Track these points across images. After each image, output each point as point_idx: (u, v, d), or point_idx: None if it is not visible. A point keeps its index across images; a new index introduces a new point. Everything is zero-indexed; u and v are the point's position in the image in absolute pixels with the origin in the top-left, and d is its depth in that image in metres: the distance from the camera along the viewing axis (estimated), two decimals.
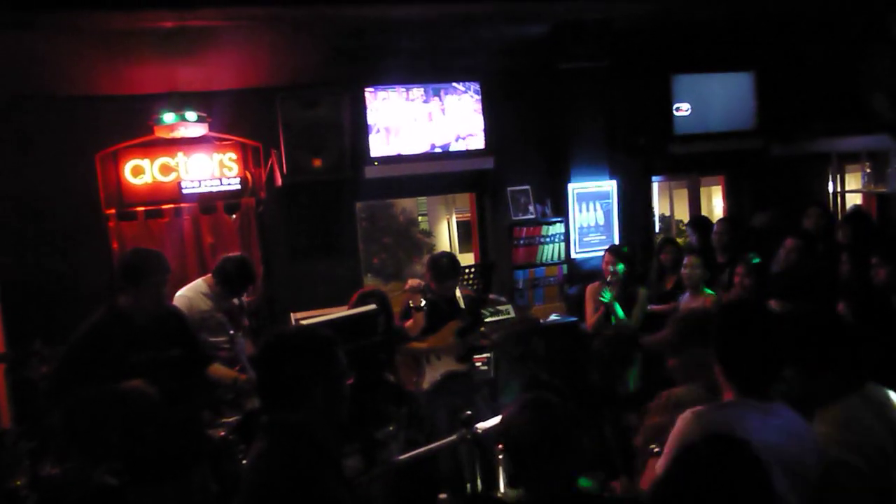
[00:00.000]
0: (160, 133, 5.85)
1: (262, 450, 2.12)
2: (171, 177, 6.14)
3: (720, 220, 6.28)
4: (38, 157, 5.73)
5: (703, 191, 9.00)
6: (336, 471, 2.21)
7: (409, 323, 4.72)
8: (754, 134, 7.31)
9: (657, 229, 7.93)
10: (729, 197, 8.13)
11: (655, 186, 8.09)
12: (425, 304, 4.72)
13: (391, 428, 3.54)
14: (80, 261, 5.84)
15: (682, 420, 2.31)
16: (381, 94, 6.26)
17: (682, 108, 7.06)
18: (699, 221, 6.62)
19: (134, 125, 5.92)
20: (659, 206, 9.80)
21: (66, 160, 5.82)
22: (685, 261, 5.37)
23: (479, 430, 3.63)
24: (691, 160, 7.35)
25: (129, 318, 3.49)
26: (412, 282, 4.82)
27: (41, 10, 4.68)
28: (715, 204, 10.99)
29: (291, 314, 5.66)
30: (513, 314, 5.94)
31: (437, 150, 6.44)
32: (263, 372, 2.18)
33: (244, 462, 2.25)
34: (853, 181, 7.90)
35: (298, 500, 2.01)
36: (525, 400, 2.25)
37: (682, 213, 9.60)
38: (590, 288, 5.66)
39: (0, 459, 3.43)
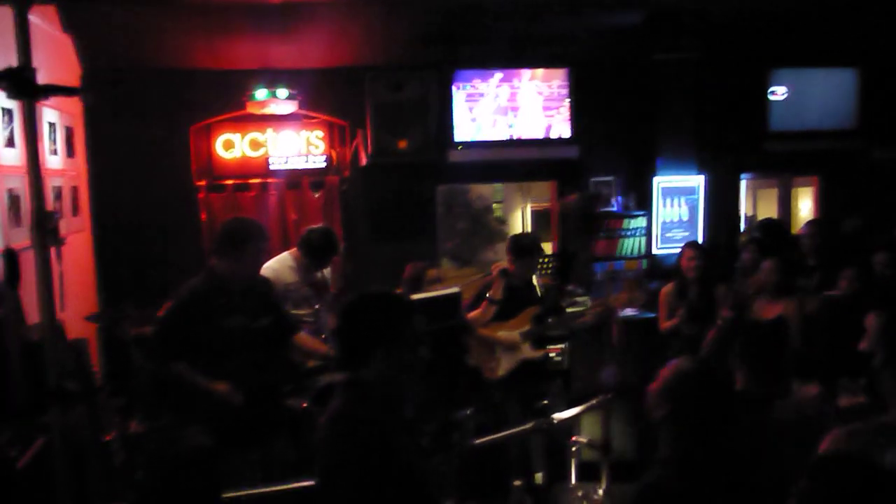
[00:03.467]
0: (251, 109, 5.98)
1: (336, 407, 2.23)
2: (260, 152, 6.29)
3: (810, 222, 6.04)
4: (138, 128, 5.94)
5: (791, 192, 8.67)
6: (407, 434, 2.30)
7: (476, 312, 4.70)
8: (854, 134, 6.98)
9: (742, 229, 7.65)
10: (821, 200, 7.79)
11: (743, 184, 7.83)
12: (503, 295, 4.66)
13: (467, 412, 3.54)
14: (171, 229, 6.05)
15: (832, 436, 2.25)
16: (469, 77, 6.24)
17: (778, 104, 6.80)
18: (770, 224, 6.36)
19: (227, 100, 6.08)
20: (744, 205, 9.48)
21: (164, 131, 6.03)
22: (763, 265, 5.16)
23: (554, 420, 3.61)
24: (785, 158, 7.07)
25: (226, 284, 3.57)
26: (498, 265, 4.77)
27: None
28: (801, 206, 10.58)
29: None
30: (590, 306, 5.86)
31: (522, 136, 6.39)
32: (342, 331, 2.29)
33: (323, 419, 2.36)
34: None
35: (367, 453, 2.08)
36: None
37: (768, 214, 9.27)
38: (664, 291, 5.52)
39: (93, 415, 3.58)
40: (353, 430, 2.12)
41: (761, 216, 9.99)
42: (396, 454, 2.16)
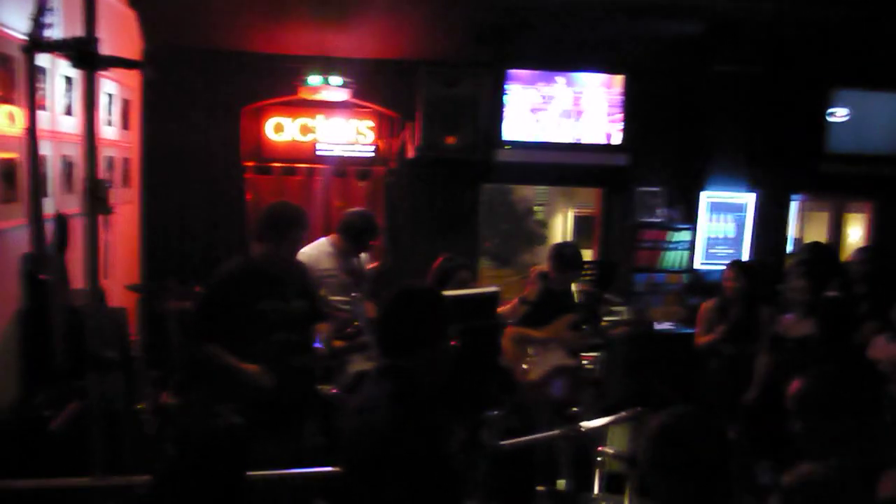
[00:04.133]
0: (303, 94, 6.02)
1: (371, 390, 2.32)
2: (309, 137, 6.34)
3: (862, 249, 5.87)
4: (191, 107, 6.03)
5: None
6: (440, 424, 2.36)
7: (506, 308, 4.65)
8: None
9: (789, 251, 7.48)
10: (874, 226, 7.57)
11: (793, 206, 7.65)
12: (538, 298, 4.63)
13: (496, 412, 3.52)
14: (216, 209, 6.12)
15: None
16: (522, 78, 6.20)
17: (838, 125, 6.63)
18: (820, 247, 6.18)
19: (280, 84, 6.12)
20: (793, 228, 9.28)
21: (216, 111, 6.09)
22: (791, 283, 5.02)
23: (583, 429, 3.57)
24: (840, 181, 6.89)
25: (264, 267, 3.61)
26: (538, 268, 4.74)
27: None
28: (851, 233, 10.31)
29: None
30: (628, 317, 5.78)
31: (571, 140, 6.32)
32: (385, 320, 2.41)
33: (354, 406, 2.40)
34: None
35: (402, 434, 2.15)
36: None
37: (816, 237, 9.05)
38: (705, 306, 5.42)
39: (129, 383, 3.64)
40: (398, 414, 2.18)
41: (808, 240, 9.78)
42: (439, 440, 2.27)
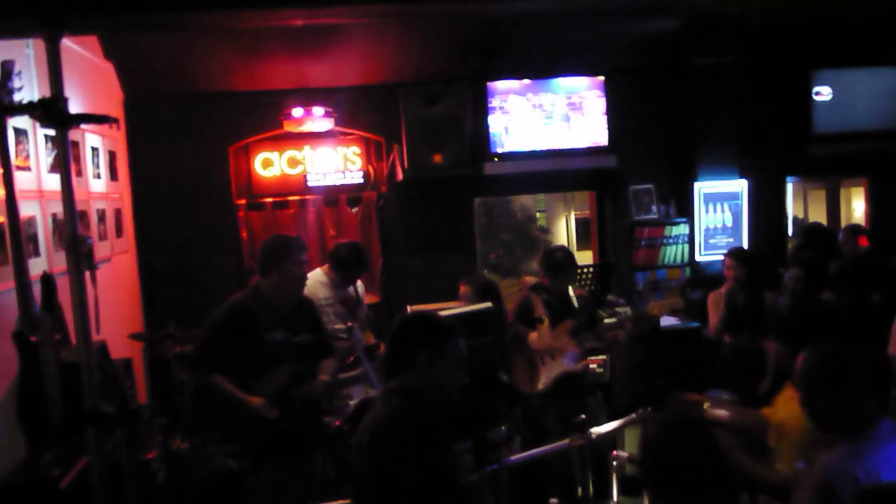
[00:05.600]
0: (288, 127, 6.06)
1: (379, 412, 2.41)
2: (298, 169, 6.36)
3: (847, 228, 5.85)
4: (178, 150, 6.07)
5: (842, 193, 8.43)
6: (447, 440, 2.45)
7: (533, 335, 4.64)
8: None
9: (790, 233, 7.46)
10: (872, 202, 7.55)
11: (790, 188, 7.63)
12: (549, 308, 4.61)
13: (503, 428, 3.50)
14: (212, 248, 6.15)
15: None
16: (503, 89, 6.22)
17: (823, 106, 6.62)
18: (815, 229, 6.16)
19: (264, 119, 6.17)
20: (793, 209, 9.26)
21: (204, 152, 6.14)
22: (788, 273, 5.01)
23: (593, 435, 3.54)
24: (831, 161, 6.88)
25: (268, 300, 3.63)
26: (527, 279, 4.73)
27: (195, 9, 4.92)
28: (855, 207, 10.27)
29: (408, 307, 5.73)
30: (631, 317, 5.75)
31: (558, 146, 6.33)
32: (390, 346, 2.52)
33: (363, 426, 2.49)
34: None
35: (412, 446, 2.25)
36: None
37: (818, 216, 9.02)
38: (712, 295, 5.41)
39: (136, 432, 3.64)
40: (409, 428, 2.30)
41: (812, 219, 9.74)
42: (448, 453, 2.37)
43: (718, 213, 6.58)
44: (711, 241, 6.59)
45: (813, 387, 2.48)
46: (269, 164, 6.34)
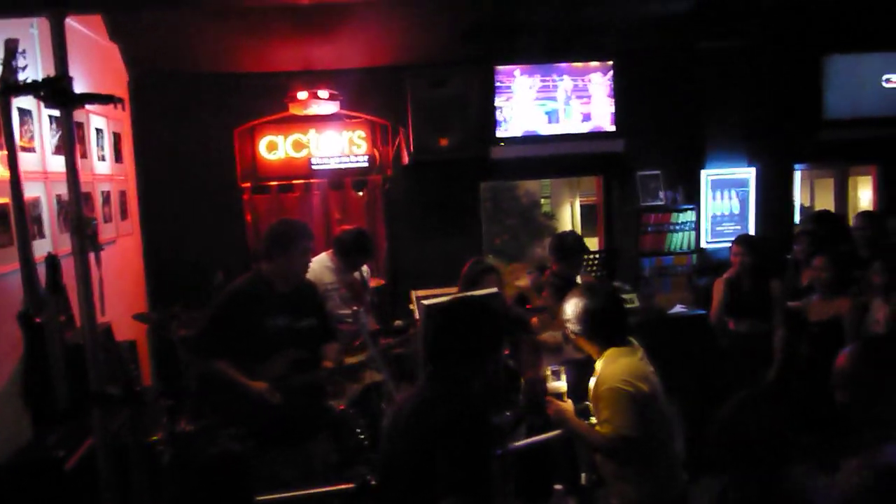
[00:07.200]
0: (294, 110, 6.02)
1: (425, 393, 2.46)
2: (303, 153, 6.33)
3: (861, 214, 5.80)
4: (186, 131, 6.05)
5: (850, 182, 8.37)
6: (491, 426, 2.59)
7: (535, 321, 4.61)
8: None
9: (797, 221, 7.41)
10: (881, 189, 7.49)
11: (797, 175, 7.58)
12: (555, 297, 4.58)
13: (508, 413, 3.49)
14: (217, 231, 6.13)
15: None
16: (510, 72, 6.17)
17: (833, 91, 6.55)
18: (824, 216, 6.11)
19: (270, 102, 6.13)
20: (799, 196, 9.21)
21: (209, 135, 6.12)
22: (814, 262, 4.96)
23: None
24: (840, 148, 6.82)
25: (272, 284, 3.62)
26: (523, 283, 4.69)
27: None
28: (861, 196, 10.21)
29: (412, 292, 5.71)
30: (637, 303, 5.73)
31: (566, 131, 6.28)
32: (434, 331, 2.58)
33: (399, 409, 2.54)
34: None
35: (460, 431, 2.28)
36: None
37: (825, 204, 8.97)
38: (718, 281, 5.38)
39: (140, 414, 3.64)
40: (458, 412, 2.32)
41: (819, 207, 9.68)
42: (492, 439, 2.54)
43: (726, 199, 6.54)
44: (718, 228, 6.56)
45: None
46: (274, 148, 6.31)
